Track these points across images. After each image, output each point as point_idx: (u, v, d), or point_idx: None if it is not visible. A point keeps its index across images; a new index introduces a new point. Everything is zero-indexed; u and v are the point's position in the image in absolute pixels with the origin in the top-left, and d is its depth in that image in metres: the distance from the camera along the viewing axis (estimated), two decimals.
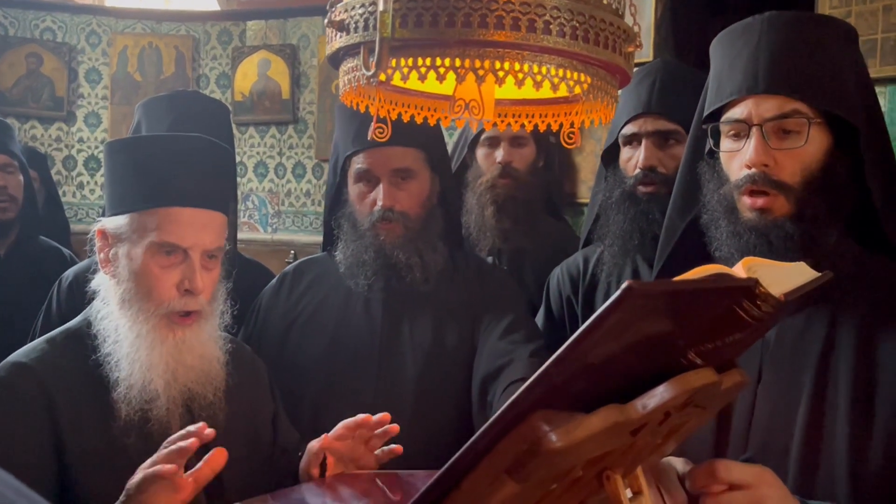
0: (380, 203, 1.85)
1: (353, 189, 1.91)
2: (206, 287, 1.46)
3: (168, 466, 1.18)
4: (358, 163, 1.88)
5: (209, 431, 1.24)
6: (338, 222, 1.97)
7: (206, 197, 1.47)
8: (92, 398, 1.41)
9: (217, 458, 1.22)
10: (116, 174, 1.50)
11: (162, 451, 1.23)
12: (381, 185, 1.86)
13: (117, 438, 1.39)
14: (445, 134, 2.22)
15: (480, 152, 2.54)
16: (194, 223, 1.44)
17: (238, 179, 5.08)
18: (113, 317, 1.45)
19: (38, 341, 1.47)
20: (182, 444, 1.21)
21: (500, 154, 2.48)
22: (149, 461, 1.23)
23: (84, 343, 1.45)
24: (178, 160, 1.46)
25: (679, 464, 1.07)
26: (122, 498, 1.22)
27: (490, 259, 2.44)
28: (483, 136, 2.52)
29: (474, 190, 2.48)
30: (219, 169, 1.54)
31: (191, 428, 1.24)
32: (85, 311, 1.52)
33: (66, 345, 1.46)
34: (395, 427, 1.51)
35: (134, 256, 1.44)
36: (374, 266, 1.88)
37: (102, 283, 1.50)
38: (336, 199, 1.98)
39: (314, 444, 1.53)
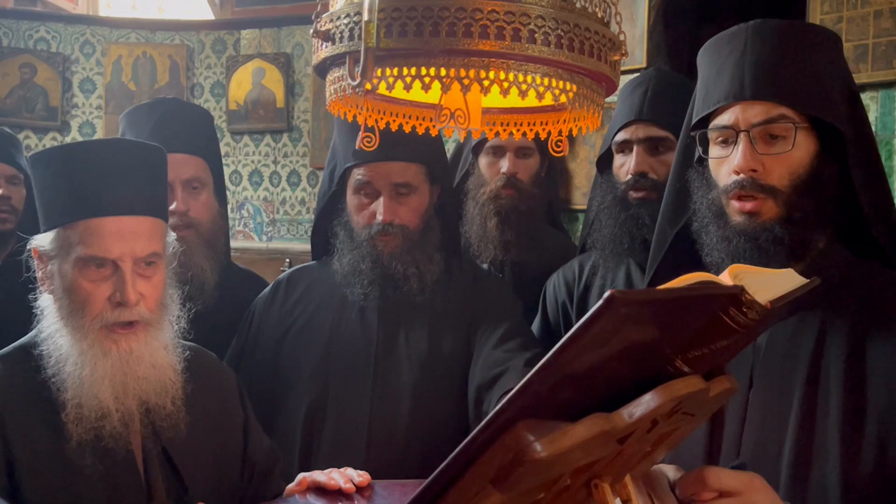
0: (380, 217, 1.85)
1: (352, 199, 1.91)
2: (146, 295, 1.41)
3: None
4: (358, 174, 1.88)
5: None
6: (333, 230, 1.96)
7: (130, 202, 1.41)
8: (43, 419, 1.37)
9: None
10: (39, 188, 1.45)
11: None
12: (381, 199, 1.86)
13: (72, 460, 1.34)
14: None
15: (483, 161, 2.49)
16: (119, 232, 1.38)
17: (233, 188, 5.09)
18: (56, 335, 1.41)
19: None
20: None
21: (504, 164, 2.43)
22: None
23: (34, 361, 1.41)
24: (98, 168, 1.40)
25: (670, 471, 1.07)
26: None
27: (487, 268, 2.43)
28: (487, 145, 2.47)
29: (476, 199, 2.43)
30: (147, 171, 1.47)
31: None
32: (36, 327, 1.49)
33: (19, 362, 1.42)
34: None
35: (64, 273, 1.40)
36: (370, 276, 1.87)
37: (45, 301, 1.46)
38: (331, 206, 1.98)
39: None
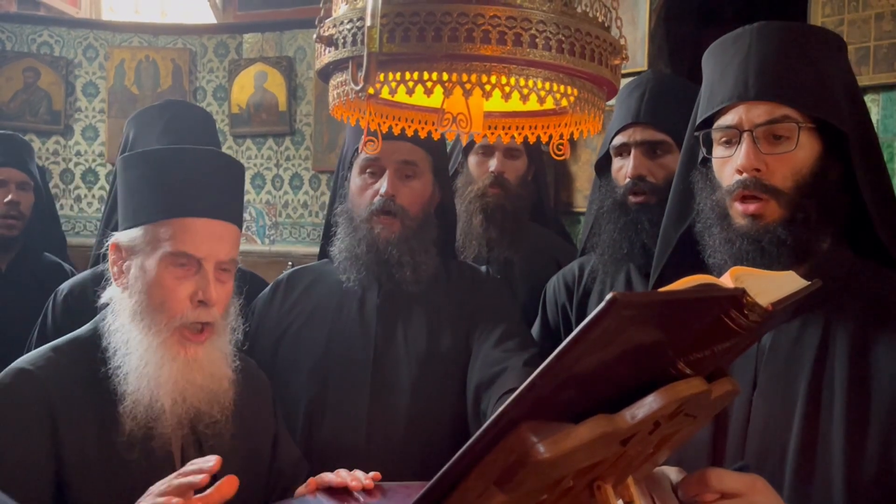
0: (382, 190, 1.86)
1: (356, 181, 1.92)
2: (219, 299, 1.45)
3: (176, 500, 1.15)
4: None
5: (216, 464, 1.20)
6: (335, 220, 1.98)
7: (220, 208, 1.47)
8: (96, 410, 1.39)
9: (228, 488, 1.18)
10: (131, 188, 1.49)
11: (172, 482, 1.19)
12: (385, 176, 1.87)
13: (119, 453, 1.37)
14: None
15: (473, 160, 2.55)
16: (209, 234, 1.44)
17: None
18: (124, 330, 1.43)
19: (44, 349, 1.46)
20: (192, 479, 1.18)
21: (493, 163, 2.49)
22: (157, 487, 1.19)
23: (91, 353, 1.43)
24: (193, 172, 1.46)
25: (673, 473, 1.07)
26: None
27: (486, 269, 2.44)
28: (477, 145, 2.53)
29: (463, 197, 2.49)
30: (233, 183, 1.54)
31: (203, 463, 1.20)
32: (94, 320, 1.51)
33: (72, 354, 1.44)
34: (377, 475, 1.54)
35: (147, 268, 1.43)
36: (365, 260, 1.88)
37: (114, 295, 1.49)
38: (339, 198, 2.00)
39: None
